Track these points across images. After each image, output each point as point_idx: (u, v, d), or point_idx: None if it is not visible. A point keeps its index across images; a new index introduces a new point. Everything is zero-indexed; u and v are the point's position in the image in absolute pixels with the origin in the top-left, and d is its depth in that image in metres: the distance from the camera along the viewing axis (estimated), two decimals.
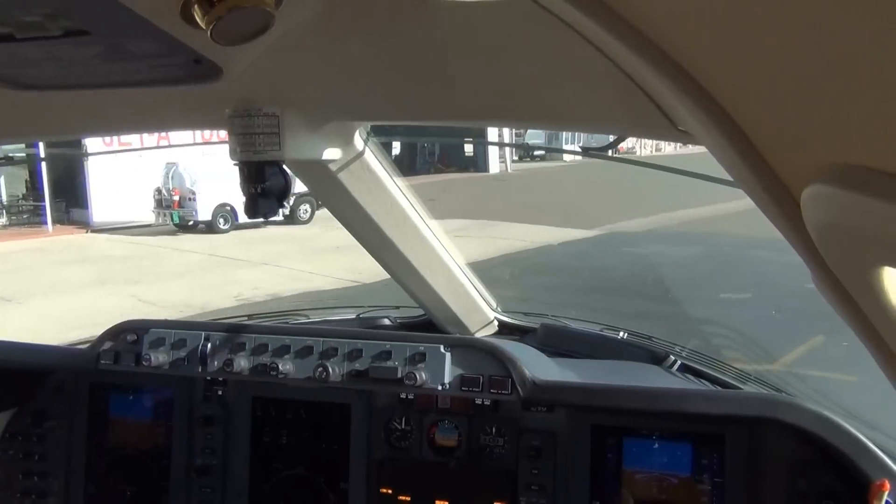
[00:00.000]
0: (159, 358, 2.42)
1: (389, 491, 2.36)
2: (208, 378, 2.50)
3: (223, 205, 21.27)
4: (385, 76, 1.56)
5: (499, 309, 3.01)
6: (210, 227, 21.35)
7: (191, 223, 21.44)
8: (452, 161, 35.65)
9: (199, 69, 1.30)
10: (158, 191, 21.73)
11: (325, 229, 20.93)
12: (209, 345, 2.42)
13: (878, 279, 0.76)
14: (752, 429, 2.04)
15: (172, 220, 21.57)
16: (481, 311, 2.93)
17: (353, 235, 2.56)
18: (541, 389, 2.19)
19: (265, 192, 1.83)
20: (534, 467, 2.22)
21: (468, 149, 36.17)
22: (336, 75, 1.60)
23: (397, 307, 3.25)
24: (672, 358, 2.71)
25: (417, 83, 1.57)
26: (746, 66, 0.70)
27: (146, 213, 22.00)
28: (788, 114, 0.71)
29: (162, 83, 1.42)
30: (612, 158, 2.34)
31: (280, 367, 2.31)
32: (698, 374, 2.65)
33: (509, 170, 36.15)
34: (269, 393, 2.46)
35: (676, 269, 13.20)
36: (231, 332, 2.44)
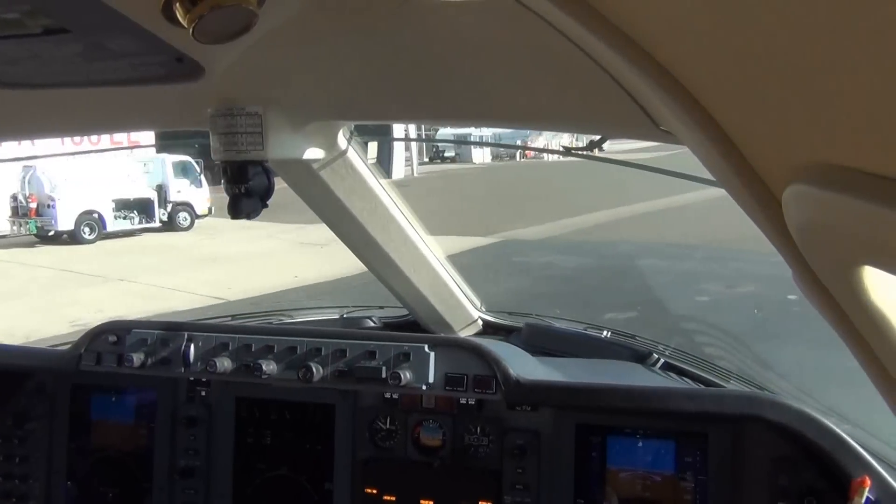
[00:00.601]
0: (141, 359, 2.40)
1: (374, 491, 2.35)
2: (191, 379, 2.48)
3: (89, 212, 19.99)
4: (368, 76, 1.55)
5: (483, 308, 3.01)
6: (73, 237, 19.83)
7: (51, 233, 19.81)
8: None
9: (181, 68, 1.29)
10: (14, 197, 20.04)
11: (206, 237, 20.23)
12: (192, 345, 2.40)
13: (858, 278, 0.77)
14: (735, 426, 2.05)
15: (31, 229, 19.96)
16: (465, 311, 2.93)
17: (337, 235, 2.56)
18: (525, 389, 2.20)
19: (248, 191, 1.82)
20: (518, 466, 2.22)
21: (371, 153, 35.39)
22: (319, 74, 1.60)
23: (381, 307, 3.25)
24: (655, 356, 2.72)
25: (400, 83, 1.57)
26: (728, 67, 0.70)
27: (2, 223, 20.20)
28: (770, 114, 0.72)
29: (143, 82, 1.41)
30: (595, 158, 2.34)
31: (264, 367, 2.30)
32: (681, 373, 2.67)
33: (415, 173, 35.15)
34: (253, 393, 2.45)
35: (565, 283, 12.95)
36: (214, 332, 2.43)
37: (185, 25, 0.97)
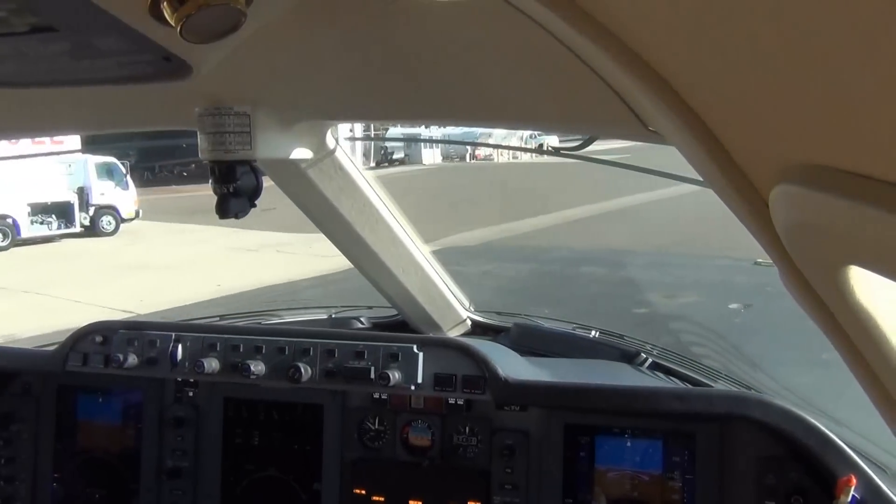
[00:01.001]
0: (129, 359, 2.39)
1: (363, 491, 2.35)
2: (179, 379, 2.47)
3: (1, 217, 18.90)
4: (356, 75, 1.55)
5: (472, 308, 3.01)
6: None
7: None
8: None
9: (169, 67, 1.29)
10: None
11: (131, 242, 19.12)
12: (179, 346, 2.39)
13: (844, 278, 0.77)
14: (723, 426, 2.06)
15: None
16: (454, 311, 2.93)
17: (326, 235, 2.55)
18: (514, 389, 2.20)
19: (236, 191, 1.82)
20: (507, 466, 2.22)
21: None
22: (307, 74, 1.59)
23: (370, 307, 3.24)
24: (643, 356, 2.73)
25: (389, 83, 1.57)
26: (715, 68, 0.70)
27: None
28: (757, 115, 0.72)
29: (131, 81, 1.40)
30: (585, 158, 2.34)
31: (252, 367, 2.29)
32: (669, 372, 2.68)
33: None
34: (241, 394, 2.44)
35: (499, 295, 12.07)
36: (202, 332, 2.42)
37: (173, 24, 0.97)
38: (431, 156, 39.15)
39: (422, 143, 37.26)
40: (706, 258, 13.05)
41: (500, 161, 32.95)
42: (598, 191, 20.46)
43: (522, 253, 15.67)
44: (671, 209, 18.61)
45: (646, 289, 12.07)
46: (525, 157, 33.67)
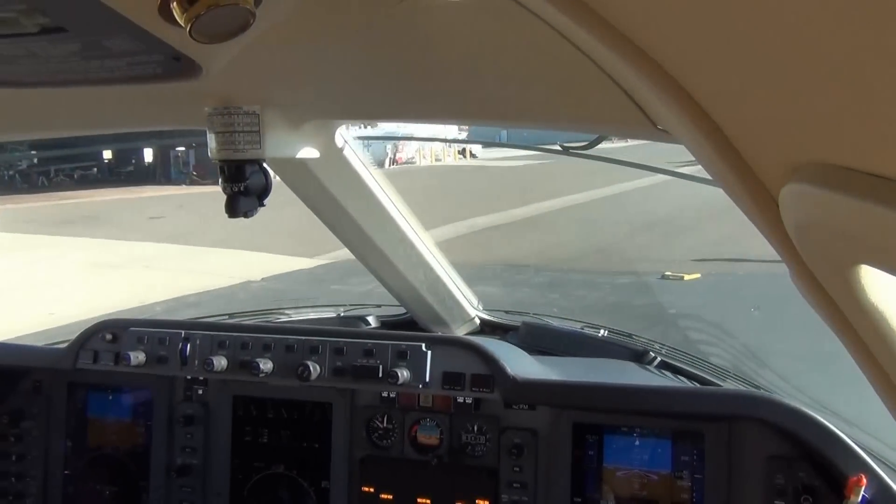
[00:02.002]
0: (138, 357, 2.40)
1: (371, 489, 2.36)
2: (188, 377, 2.48)
3: None
4: (365, 75, 1.55)
5: (480, 307, 3.01)
6: None
7: None
8: (212, 171, 32.28)
9: (179, 67, 1.29)
10: None
11: None
12: (189, 344, 2.40)
13: (855, 277, 0.77)
14: (731, 425, 2.06)
15: None
16: (463, 310, 2.93)
17: (334, 234, 2.56)
18: (522, 387, 2.20)
19: (246, 190, 1.82)
20: (515, 465, 2.22)
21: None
22: (316, 74, 1.60)
23: (379, 305, 3.25)
24: (652, 355, 2.73)
25: (397, 82, 1.57)
26: (724, 65, 0.70)
27: None
28: (767, 113, 0.72)
29: (140, 81, 1.40)
30: (593, 157, 2.34)
31: (261, 365, 2.29)
32: (678, 371, 2.67)
33: (275, 179, 33.38)
34: (250, 392, 2.45)
35: None
36: (211, 330, 2.43)
37: (183, 25, 0.97)
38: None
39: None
40: (610, 275, 11.97)
41: (422, 164, 32.12)
42: (525, 193, 19.62)
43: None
44: (593, 214, 18.11)
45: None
46: (450, 159, 32.90)
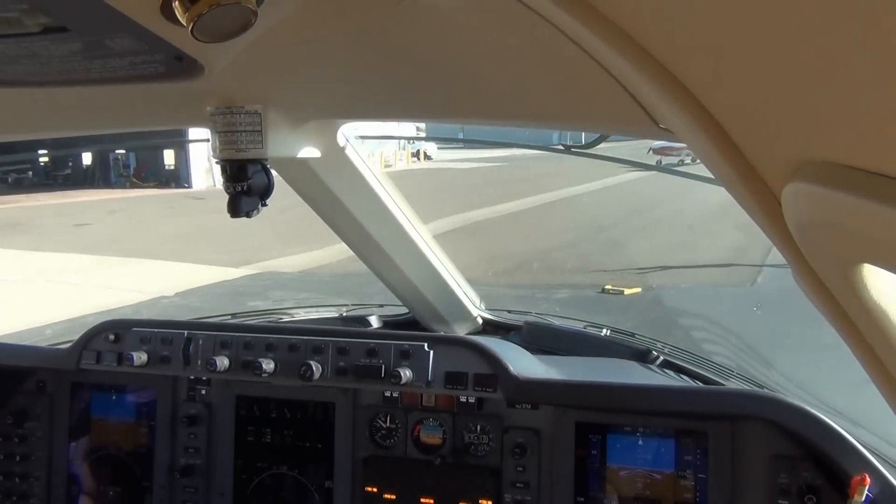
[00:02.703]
0: (141, 357, 2.41)
1: (374, 489, 2.36)
2: (191, 377, 2.49)
3: None
4: (367, 74, 1.55)
5: (483, 307, 3.01)
6: None
7: None
8: (151, 174, 31.07)
9: (181, 66, 1.29)
10: None
11: None
12: (192, 344, 2.40)
13: (858, 276, 0.77)
14: (735, 425, 2.05)
15: None
16: (465, 309, 2.93)
17: (336, 233, 2.56)
18: (525, 387, 2.20)
19: (248, 190, 1.82)
20: (518, 465, 2.22)
21: (168, 160, 31.21)
22: (318, 73, 1.60)
23: (381, 305, 3.25)
24: (654, 354, 2.73)
25: (399, 81, 1.57)
26: (727, 64, 0.70)
27: None
28: (769, 111, 0.72)
29: (142, 80, 1.41)
30: (596, 156, 2.34)
31: (264, 365, 2.30)
32: (681, 371, 2.67)
33: (217, 184, 30.89)
34: (253, 392, 2.45)
35: None
36: (214, 331, 2.43)
37: (185, 24, 0.97)
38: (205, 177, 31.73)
39: (189, 157, 31.86)
40: (547, 289, 11.28)
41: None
42: (475, 197, 18.90)
43: (341, 285, 12.15)
44: (542, 218, 17.59)
45: None
46: (402, 163, 31.91)
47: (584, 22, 0.81)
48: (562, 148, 2.55)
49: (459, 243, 13.89)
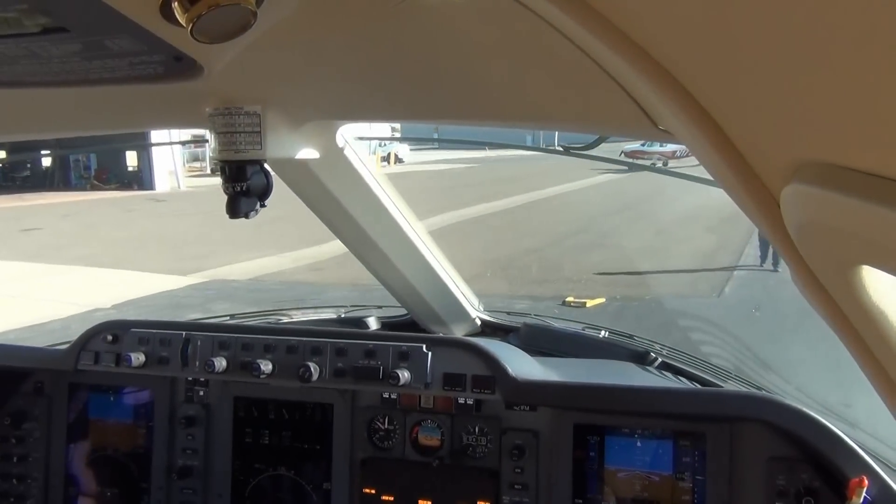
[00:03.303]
0: (140, 358, 2.40)
1: (373, 491, 2.35)
2: (189, 378, 2.48)
3: None
4: (366, 75, 1.55)
5: (481, 308, 3.01)
6: None
7: None
8: (113, 176, 30.59)
9: (180, 67, 1.29)
10: None
11: None
12: (190, 345, 2.40)
13: (857, 278, 0.77)
14: (733, 426, 2.06)
15: None
16: (464, 311, 2.93)
17: (335, 234, 2.56)
18: (524, 388, 2.20)
19: (247, 191, 1.82)
20: (517, 466, 2.22)
21: (131, 162, 30.75)
22: (318, 74, 1.60)
23: (380, 307, 3.25)
24: (653, 356, 2.73)
25: (399, 82, 1.57)
26: (726, 66, 0.70)
27: None
28: (768, 113, 0.72)
29: (142, 81, 1.41)
30: (595, 158, 2.34)
31: (262, 367, 2.29)
32: (679, 372, 2.67)
33: (182, 186, 29.97)
34: (251, 393, 2.45)
35: None
36: (213, 332, 2.43)
37: (184, 24, 0.97)
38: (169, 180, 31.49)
39: (152, 158, 31.79)
40: (508, 298, 10.80)
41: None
42: (439, 201, 17.94)
43: (288, 294, 11.44)
44: (507, 221, 17.26)
45: None
46: (371, 167, 31.49)
47: (583, 23, 0.81)
48: (560, 149, 2.55)
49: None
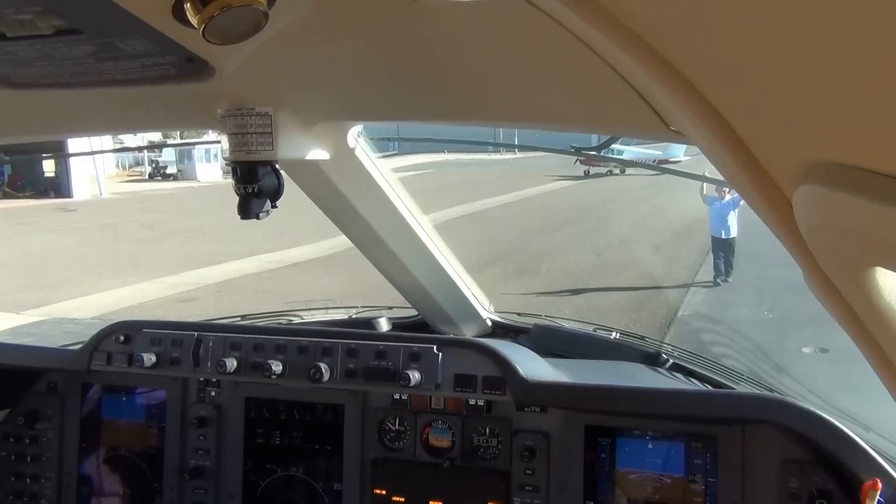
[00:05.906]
0: (151, 359, 2.41)
1: (383, 492, 2.36)
2: (201, 379, 2.49)
3: None
4: (377, 76, 1.56)
5: (492, 309, 3.01)
6: None
7: None
8: (28, 183, 29.08)
9: (192, 68, 1.30)
10: None
11: None
12: (202, 345, 2.41)
13: (869, 280, 0.76)
14: (745, 429, 2.04)
15: None
16: (475, 312, 2.92)
17: (346, 235, 2.56)
18: (534, 390, 2.19)
19: (259, 192, 1.83)
20: (527, 468, 2.22)
21: (48, 168, 28.94)
22: (328, 75, 1.60)
23: (391, 307, 3.25)
24: (664, 357, 2.72)
25: (409, 83, 1.57)
26: (737, 66, 0.70)
27: None
28: (780, 114, 0.71)
29: (154, 82, 1.41)
30: (603, 158, 2.34)
31: (273, 367, 2.30)
32: (690, 374, 2.66)
33: (104, 193, 28.82)
34: (263, 394, 2.46)
35: None
36: (224, 332, 2.44)
37: (196, 26, 0.98)
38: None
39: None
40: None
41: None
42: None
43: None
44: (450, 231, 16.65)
45: None
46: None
47: (595, 24, 0.81)
48: (572, 150, 2.55)
49: (339, 270, 12.19)
